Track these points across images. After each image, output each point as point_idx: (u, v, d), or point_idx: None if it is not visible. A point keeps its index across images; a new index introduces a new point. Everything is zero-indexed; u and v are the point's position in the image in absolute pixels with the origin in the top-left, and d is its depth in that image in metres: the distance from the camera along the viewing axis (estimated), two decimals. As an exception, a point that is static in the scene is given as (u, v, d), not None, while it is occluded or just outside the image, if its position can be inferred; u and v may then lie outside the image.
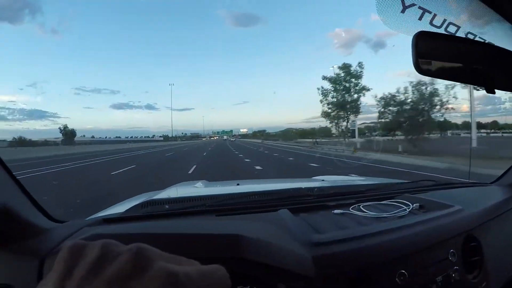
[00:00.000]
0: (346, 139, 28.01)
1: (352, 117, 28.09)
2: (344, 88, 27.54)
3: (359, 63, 27.36)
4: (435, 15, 0.52)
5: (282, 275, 0.54)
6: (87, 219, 0.77)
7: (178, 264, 0.20)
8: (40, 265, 0.55)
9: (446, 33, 0.53)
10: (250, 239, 0.58)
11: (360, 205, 0.81)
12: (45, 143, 48.73)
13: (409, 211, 0.76)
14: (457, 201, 0.80)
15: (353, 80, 27.33)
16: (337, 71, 28.23)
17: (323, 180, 1.58)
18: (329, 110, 29.13)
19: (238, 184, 1.47)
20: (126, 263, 0.18)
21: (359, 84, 27.33)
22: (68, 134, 60.00)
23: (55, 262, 0.19)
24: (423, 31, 0.51)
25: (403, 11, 0.53)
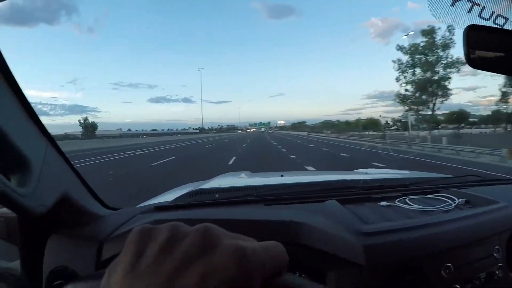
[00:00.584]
0: (427, 134, 25.81)
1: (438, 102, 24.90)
2: (427, 61, 24.73)
3: (449, 27, 23.03)
4: (483, 7, 0.66)
5: (332, 262, 0.67)
6: (138, 206, 0.98)
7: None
8: (98, 249, 0.69)
9: (494, 25, 0.66)
10: (305, 225, 0.71)
11: (405, 198, 0.96)
12: (66, 137, 55.15)
13: (454, 205, 0.90)
14: (503, 198, 0.91)
15: (438, 51, 24.36)
16: (417, 39, 25.41)
17: (366, 173, 1.78)
18: (408, 93, 26.21)
19: (282, 175, 1.72)
20: (195, 242, 0.22)
21: (449, 56, 24.15)
22: (89, 128, 67.22)
23: (126, 244, 0.23)
24: (473, 24, 0.65)
25: (452, 5, 0.68)
